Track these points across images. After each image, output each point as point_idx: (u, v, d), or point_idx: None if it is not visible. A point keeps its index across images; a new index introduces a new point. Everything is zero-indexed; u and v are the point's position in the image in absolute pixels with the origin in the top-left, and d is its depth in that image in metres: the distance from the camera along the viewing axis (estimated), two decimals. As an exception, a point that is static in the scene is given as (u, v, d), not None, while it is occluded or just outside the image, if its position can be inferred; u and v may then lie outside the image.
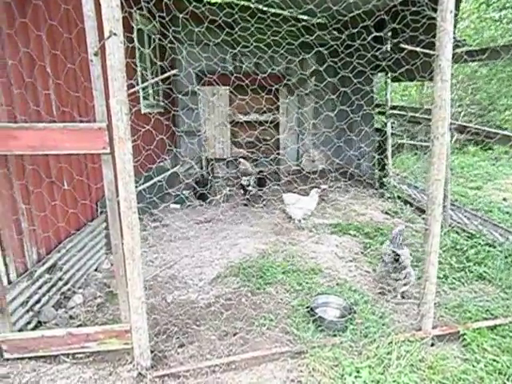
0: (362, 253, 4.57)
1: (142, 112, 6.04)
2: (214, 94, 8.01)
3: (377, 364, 2.44)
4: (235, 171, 8.18)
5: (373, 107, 7.59)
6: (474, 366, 2.49)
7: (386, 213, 6.05)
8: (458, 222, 5.37)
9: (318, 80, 8.97)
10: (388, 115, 7.01)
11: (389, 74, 6.82)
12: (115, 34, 1.95)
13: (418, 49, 2.59)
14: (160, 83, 7.28)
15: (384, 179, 7.49)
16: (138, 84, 5.90)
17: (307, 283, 3.52)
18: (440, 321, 2.97)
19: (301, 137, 9.35)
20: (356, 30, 4.29)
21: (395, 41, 6.64)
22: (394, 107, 7.08)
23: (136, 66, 5.81)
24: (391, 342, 2.61)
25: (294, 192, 5.61)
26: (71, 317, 3.10)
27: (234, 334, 2.79)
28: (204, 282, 3.72)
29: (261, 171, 7.22)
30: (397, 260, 3.40)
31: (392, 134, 7.26)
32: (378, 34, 5.67)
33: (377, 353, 2.53)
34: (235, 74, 8.21)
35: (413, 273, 3.43)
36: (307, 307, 3.01)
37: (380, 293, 3.51)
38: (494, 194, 8.04)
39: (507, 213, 6.09)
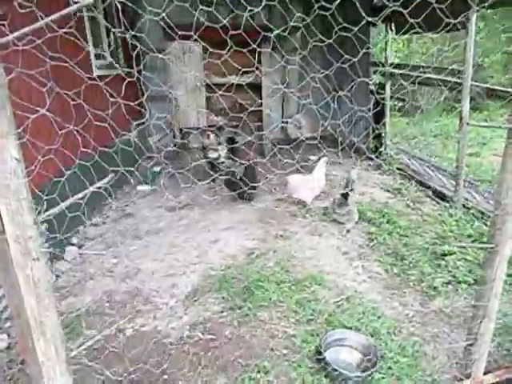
0: (367, 245, 3.82)
1: (95, 74, 4.88)
2: (185, 51, 6.81)
3: None
4: (198, 145, 7.00)
5: (368, 65, 6.62)
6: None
7: (388, 190, 5.28)
8: (466, 199, 4.64)
9: (305, 34, 7.82)
10: (388, 75, 6.07)
11: (391, 26, 5.80)
12: None
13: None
14: (118, 38, 6.03)
15: (380, 149, 6.69)
16: (86, 38, 4.71)
17: (309, 301, 2.73)
18: (491, 359, 2.27)
19: (285, 101, 8.31)
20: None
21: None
22: (394, 66, 6.13)
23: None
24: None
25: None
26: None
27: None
28: (176, 301, 2.88)
29: (230, 139, 6.19)
30: (345, 198, 4.12)
31: (391, 96, 6.36)
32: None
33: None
34: (209, 27, 7.02)
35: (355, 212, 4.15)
36: (317, 351, 2.23)
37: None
38: (496, 161, 7.41)
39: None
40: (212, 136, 5.79)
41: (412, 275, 3.25)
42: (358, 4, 2.65)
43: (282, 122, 8.39)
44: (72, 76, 4.20)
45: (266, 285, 2.84)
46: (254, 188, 4.78)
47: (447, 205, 4.64)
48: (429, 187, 5.33)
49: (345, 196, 4.18)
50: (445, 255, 3.41)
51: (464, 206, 4.54)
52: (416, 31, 5.19)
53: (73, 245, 3.78)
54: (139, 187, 5.60)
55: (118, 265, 3.42)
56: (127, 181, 5.86)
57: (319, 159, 6.87)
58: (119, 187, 5.49)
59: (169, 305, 2.84)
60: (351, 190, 4.19)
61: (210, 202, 4.97)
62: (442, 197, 4.95)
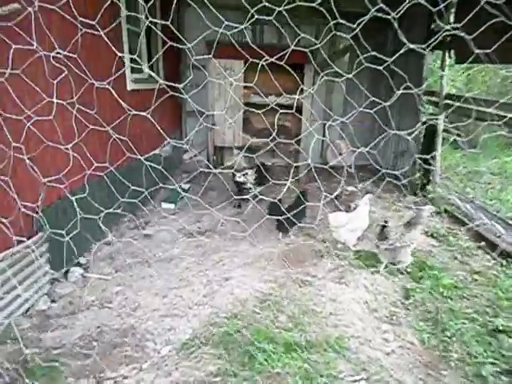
0: (402, 303, 3.27)
1: (129, 88, 4.78)
2: (227, 69, 6.64)
3: None
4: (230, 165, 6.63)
5: (421, 94, 6.07)
6: None
7: (432, 236, 4.66)
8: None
9: (352, 59, 7.42)
10: (442, 106, 5.48)
11: (451, 53, 5.25)
12: None
13: None
14: (159, 51, 5.98)
15: (428, 186, 6.05)
16: (123, 51, 4.63)
17: (321, 376, 2.26)
18: None
19: (327, 126, 7.88)
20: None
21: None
22: (450, 96, 5.54)
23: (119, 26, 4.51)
24: None
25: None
26: None
27: None
28: (170, 349, 2.53)
29: (262, 164, 5.79)
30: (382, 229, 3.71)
31: (444, 130, 5.75)
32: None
33: None
34: (253, 47, 6.85)
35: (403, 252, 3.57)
36: None
37: None
38: None
39: None
40: (240, 158, 5.48)
41: (454, 352, 2.67)
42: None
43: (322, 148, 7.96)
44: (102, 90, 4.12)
45: (272, 347, 2.40)
46: (300, 220, 4.33)
47: (504, 262, 3.96)
48: (482, 237, 4.64)
49: (382, 227, 3.74)
50: (498, 331, 2.80)
51: (525, 265, 3.85)
52: (481, 61, 4.64)
53: (80, 265, 3.58)
54: (164, 205, 5.40)
55: (119, 295, 3.14)
56: (153, 196, 5.70)
57: (357, 190, 6.37)
58: (144, 203, 5.31)
59: (161, 353, 2.49)
60: (413, 224, 3.68)
61: (232, 229, 4.64)
62: (498, 251, 4.26)
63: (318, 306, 3.05)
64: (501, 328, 2.78)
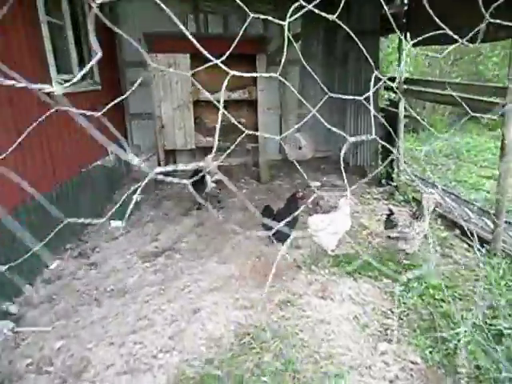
0: (392, 312, 2.95)
1: (56, 93, 4.03)
2: (171, 64, 6.00)
3: None
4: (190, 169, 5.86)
5: (376, 79, 5.83)
6: None
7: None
8: (505, 242, 3.82)
9: (305, 46, 7.08)
10: (402, 91, 5.28)
11: (407, 36, 5.03)
12: None
13: None
14: (94, 49, 5.23)
15: (392, 174, 5.88)
16: (43, 49, 3.88)
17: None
18: None
19: (284, 118, 7.51)
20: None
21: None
22: (409, 81, 5.35)
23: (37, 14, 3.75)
24: None
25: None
26: None
27: None
28: (133, 423, 1.99)
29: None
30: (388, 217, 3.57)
31: (405, 116, 5.57)
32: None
33: None
34: (198, 37, 6.23)
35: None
36: None
37: None
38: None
39: None
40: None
41: (461, 366, 2.39)
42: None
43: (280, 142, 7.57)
44: (19, 96, 3.39)
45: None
46: (292, 229, 3.84)
47: (482, 249, 3.81)
48: (455, 224, 4.51)
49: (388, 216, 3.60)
50: (502, 335, 2.56)
51: (504, 251, 3.71)
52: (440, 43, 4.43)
53: (9, 315, 2.88)
54: (113, 223, 4.71)
55: (62, 351, 2.51)
56: (100, 213, 5.00)
57: (321, 185, 6.07)
58: (88, 224, 4.61)
59: (121, 430, 1.95)
60: (419, 217, 3.42)
61: (195, 243, 4.11)
62: (473, 237, 4.12)
63: (305, 332, 2.64)
64: (505, 332, 2.54)
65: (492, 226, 4.03)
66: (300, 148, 7.49)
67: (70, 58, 4.64)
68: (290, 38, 1.07)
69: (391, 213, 3.57)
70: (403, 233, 3.39)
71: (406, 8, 4.97)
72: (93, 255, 3.87)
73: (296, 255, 3.77)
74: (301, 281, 3.33)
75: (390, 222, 3.53)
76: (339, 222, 3.59)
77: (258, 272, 3.49)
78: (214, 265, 3.62)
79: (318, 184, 6.18)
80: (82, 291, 3.22)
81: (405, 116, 5.65)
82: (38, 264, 3.49)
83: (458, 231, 4.38)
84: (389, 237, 3.54)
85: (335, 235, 3.59)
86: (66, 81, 4.30)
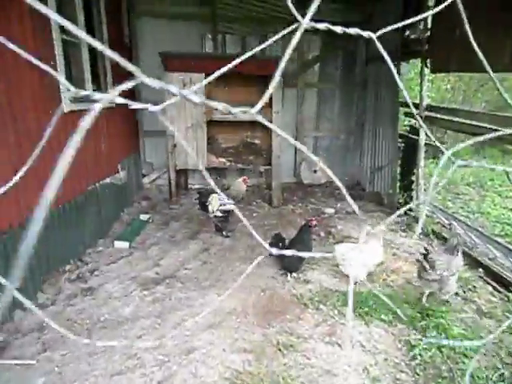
0: (407, 365, 2.65)
1: (66, 110, 3.98)
2: (185, 83, 5.95)
3: None
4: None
5: (397, 106, 5.63)
6: None
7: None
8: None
9: (323, 69, 6.95)
10: (423, 118, 5.04)
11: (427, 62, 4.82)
12: None
13: None
14: (107, 65, 5.22)
15: (410, 204, 5.57)
16: (55, 63, 3.86)
17: None
18: None
19: (300, 141, 7.33)
20: None
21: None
22: (431, 108, 5.12)
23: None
24: None
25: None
26: None
27: None
28: None
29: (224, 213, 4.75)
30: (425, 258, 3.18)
31: (426, 143, 5.31)
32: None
33: None
34: (214, 58, 6.22)
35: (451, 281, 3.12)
36: None
37: None
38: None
39: None
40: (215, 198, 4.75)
41: None
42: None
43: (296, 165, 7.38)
44: (28, 113, 3.33)
45: None
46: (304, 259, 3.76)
47: (510, 295, 3.47)
48: (478, 262, 4.17)
49: (424, 255, 3.18)
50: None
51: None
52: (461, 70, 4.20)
53: (-4, 343, 2.73)
54: (117, 243, 4.58)
55: (42, 392, 2.33)
56: (105, 232, 4.88)
57: (335, 212, 5.81)
58: (92, 243, 4.48)
59: None
60: (456, 248, 3.20)
61: (198, 271, 3.91)
62: (500, 280, 3.78)
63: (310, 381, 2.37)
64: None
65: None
66: (315, 171, 7.28)
67: (83, 75, 4.61)
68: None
69: (427, 252, 3.22)
70: (443, 275, 3.07)
71: (428, 33, 4.78)
72: (91, 279, 3.72)
73: (303, 291, 3.51)
74: (307, 321, 3.06)
75: (426, 263, 3.18)
76: (369, 253, 3.34)
77: (261, 307, 3.25)
78: (215, 296, 3.40)
79: (332, 211, 5.93)
80: (73, 320, 3.05)
81: (425, 144, 5.40)
82: (33, 287, 3.35)
83: (481, 271, 4.04)
84: (421, 277, 3.23)
85: (364, 267, 3.33)
86: (77, 99, 4.25)
